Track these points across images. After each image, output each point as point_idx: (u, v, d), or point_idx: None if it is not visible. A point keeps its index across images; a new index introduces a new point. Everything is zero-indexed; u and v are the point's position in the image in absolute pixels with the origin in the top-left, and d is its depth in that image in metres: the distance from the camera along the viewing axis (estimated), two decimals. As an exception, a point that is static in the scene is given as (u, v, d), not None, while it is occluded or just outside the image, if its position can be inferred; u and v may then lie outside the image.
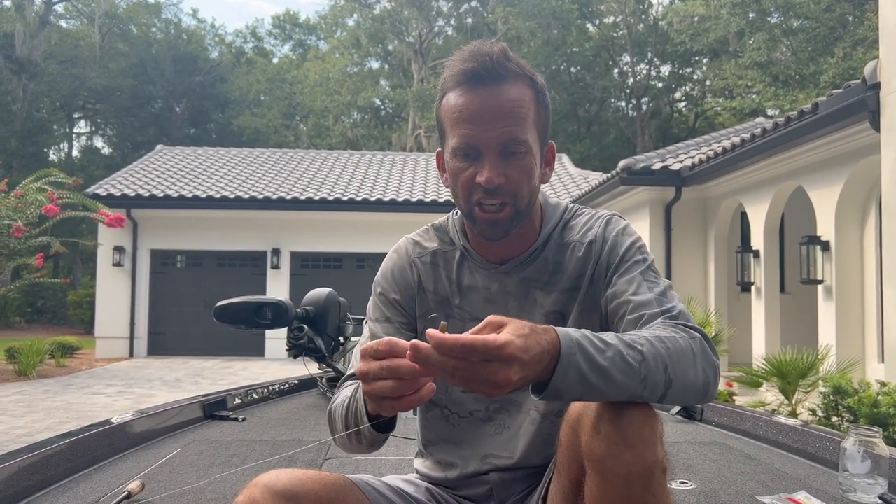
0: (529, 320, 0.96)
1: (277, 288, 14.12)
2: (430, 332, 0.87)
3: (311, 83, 31.37)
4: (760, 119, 12.99)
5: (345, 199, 14.23)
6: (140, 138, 31.26)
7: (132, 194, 13.94)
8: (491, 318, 0.92)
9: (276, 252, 14.45)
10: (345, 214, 14.34)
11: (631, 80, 29.52)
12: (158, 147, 18.88)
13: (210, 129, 34.89)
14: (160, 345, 14.39)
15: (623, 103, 31.08)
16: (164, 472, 1.99)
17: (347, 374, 1.30)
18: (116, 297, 14.20)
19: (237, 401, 2.94)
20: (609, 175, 10.47)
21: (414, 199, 14.28)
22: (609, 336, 0.98)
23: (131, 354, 14.18)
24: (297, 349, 3.02)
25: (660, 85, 30.22)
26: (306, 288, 3.55)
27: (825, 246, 6.94)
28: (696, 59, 28.46)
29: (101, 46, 29.91)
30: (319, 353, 3.04)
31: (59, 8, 31.04)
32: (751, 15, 21.87)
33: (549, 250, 1.28)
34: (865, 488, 1.72)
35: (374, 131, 32.55)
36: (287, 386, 3.33)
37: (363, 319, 1.45)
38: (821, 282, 6.97)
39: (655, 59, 29.44)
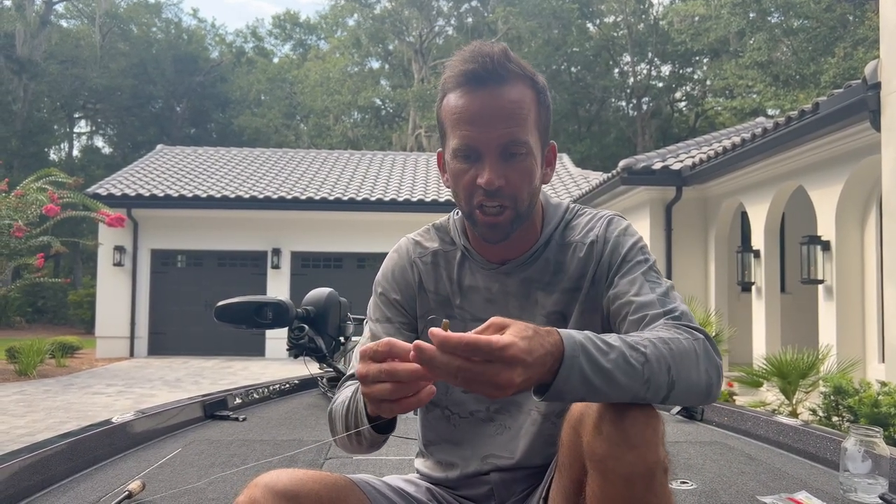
0: (530, 321, 0.96)
1: (278, 288, 14.12)
2: (434, 330, 0.87)
3: (312, 83, 31.38)
4: (761, 119, 12.99)
5: (345, 198, 14.23)
6: (140, 138, 31.27)
7: (133, 194, 13.94)
8: (494, 319, 0.92)
9: (276, 252, 14.45)
10: (345, 214, 14.34)
11: (631, 79, 29.52)
12: (159, 147, 18.88)
13: (210, 129, 34.91)
14: (161, 345, 14.39)
15: (623, 103, 31.08)
16: (164, 471, 1.99)
17: (348, 374, 1.30)
18: (117, 297, 14.21)
19: (238, 401, 2.94)
20: (609, 175, 10.47)
21: (414, 199, 14.28)
22: (612, 338, 0.97)
23: (132, 354, 14.19)
24: (297, 349, 3.02)
25: (660, 85, 30.22)
26: (307, 288, 3.55)
27: (826, 246, 6.94)
28: (697, 58, 28.46)
29: (102, 46, 29.91)
30: (320, 352, 3.04)
31: (59, 8, 31.07)
32: (751, 15, 21.87)
33: (551, 251, 1.28)
34: (866, 488, 1.71)
35: (374, 131, 32.56)
36: (287, 386, 3.33)
37: (363, 319, 1.45)
38: (821, 282, 6.97)
39: (656, 59, 29.44)
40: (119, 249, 14.04)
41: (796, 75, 21.23)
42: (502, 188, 1.15)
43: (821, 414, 5.31)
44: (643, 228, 9.86)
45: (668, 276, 9.40)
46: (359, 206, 14.20)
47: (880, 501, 1.69)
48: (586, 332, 0.96)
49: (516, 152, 1.16)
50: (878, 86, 5.61)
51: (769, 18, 22.01)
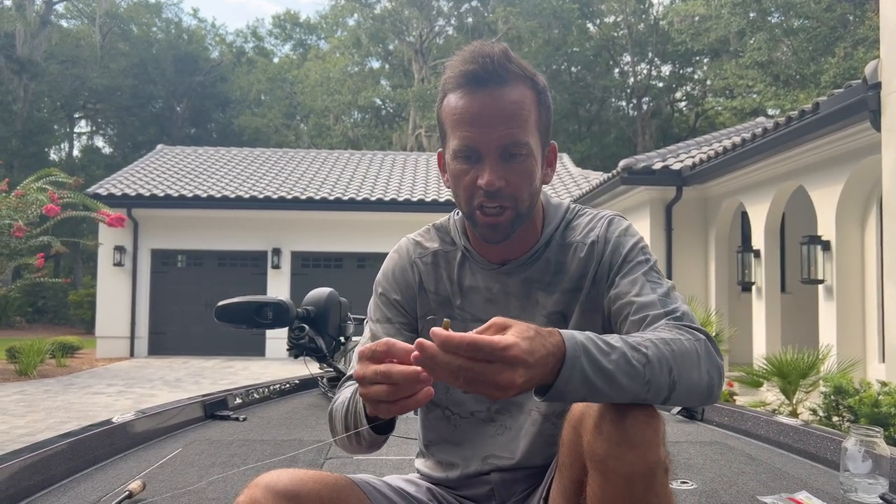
0: (531, 321, 0.96)
1: (278, 287, 14.12)
2: (436, 330, 0.87)
3: (312, 83, 31.38)
4: (761, 119, 12.99)
5: (345, 198, 14.23)
6: (141, 138, 31.27)
7: (133, 194, 13.94)
8: (496, 319, 0.92)
9: (276, 252, 14.45)
10: (345, 214, 14.34)
11: (631, 79, 29.52)
12: (159, 147, 18.88)
13: (211, 129, 34.91)
14: (161, 344, 14.39)
15: (624, 103, 31.08)
16: (165, 471, 1.99)
17: (348, 374, 1.30)
18: (117, 297, 14.21)
19: (238, 400, 2.94)
20: (610, 175, 10.47)
21: (414, 199, 14.28)
22: (614, 339, 0.97)
23: (132, 354, 14.19)
24: (297, 349, 3.02)
25: (660, 84, 30.22)
26: (307, 288, 3.55)
27: (826, 246, 6.94)
28: (697, 58, 28.46)
29: (102, 46, 29.91)
30: (320, 352, 3.04)
31: (59, 8, 31.07)
32: (751, 14, 21.86)
33: (551, 251, 1.28)
34: (866, 488, 1.71)
35: (374, 131, 32.56)
36: (288, 386, 3.33)
37: (364, 319, 1.45)
38: (821, 281, 6.97)
39: (656, 59, 29.44)
40: (119, 249, 14.04)
41: (796, 75, 21.23)
42: (502, 189, 1.15)
43: (821, 414, 5.31)
44: (643, 228, 9.86)
45: (669, 276, 9.38)
46: (359, 206, 14.20)
47: (881, 501, 1.69)
48: (588, 332, 0.96)
49: (517, 153, 1.16)
50: (878, 86, 5.61)
51: (769, 18, 22.00)
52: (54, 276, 19.81)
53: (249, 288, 13.39)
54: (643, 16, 28.92)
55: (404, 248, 1.36)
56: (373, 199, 14.24)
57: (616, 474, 0.95)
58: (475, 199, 1.18)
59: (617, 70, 30.70)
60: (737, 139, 8.18)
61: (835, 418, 5.20)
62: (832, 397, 5.21)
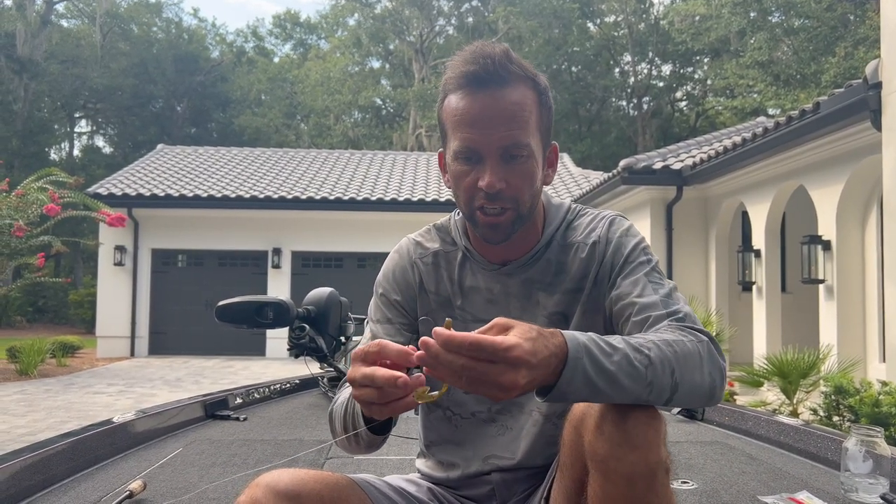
0: (532, 321, 0.96)
1: (278, 287, 14.13)
2: (438, 329, 0.87)
3: (312, 83, 31.38)
4: (761, 118, 12.99)
5: (346, 198, 14.23)
6: (141, 138, 31.27)
7: (133, 194, 13.94)
8: (498, 319, 0.91)
9: (277, 251, 14.45)
10: (346, 214, 14.34)
11: (632, 79, 29.51)
12: (159, 146, 18.88)
13: (211, 129, 34.91)
14: (161, 344, 14.39)
15: (624, 103, 31.08)
16: (165, 471, 1.99)
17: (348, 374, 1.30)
18: (117, 297, 14.21)
19: (238, 400, 2.94)
20: (610, 174, 10.47)
21: (415, 199, 14.28)
22: (616, 340, 0.97)
23: (132, 354, 14.19)
24: (298, 349, 3.02)
25: (661, 84, 30.22)
26: (307, 287, 3.55)
27: (826, 245, 6.94)
28: (698, 58, 28.45)
29: (103, 46, 29.92)
30: (321, 352, 3.04)
31: (60, 7, 31.08)
32: (752, 14, 21.86)
33: (552, 251, 1.28)
34: (867, 488, 1.71)
35: (374, 131, 32.56)
36: (288, 385, 3.33)
37: (364, 319, 1.45)
38: (822, 281, 6.97)
39: (656, 59, 29.43)
40: (120, 249, 14.04)
41: (797, 75, 21.22)
42: (503, 191, 1.15)
43: (822, 414, 5.30)
44: (644, 228, 9.86)
45: (669, 276, 9.39)
46: (359, 206, 14.20)
47: (881, 501, 1.69)
48: (590, 333, 0.96)
49: (517, 154, 1.15)
50: (878, 85, 5.61)
51: (770, 18, 22.00)
52: (55, 275, 19.83)
53: (250, 288, 13.39)
54: (643, 15, 28.92)
55: (405, 249, 1.36)
56: (373, 198, 14.24)
57: (617, 474, 0.95)
58: (476, 201, 1.18)
59: (617, 70, 30.70)
60: (737, 139, 8.17)
61: (835, 418, 5.20)
62: (833, 397, 5.21)
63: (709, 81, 27.39)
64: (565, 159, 18.53)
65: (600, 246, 1.25)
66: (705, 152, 9.24)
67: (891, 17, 5.65)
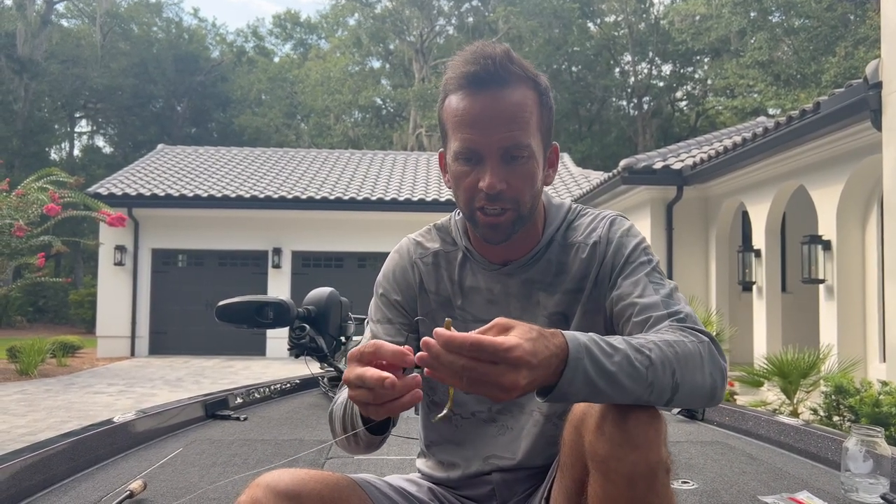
0: (532, 322, 0.95)
1: (279, 287, 14.13)
2: (439, 330, 0.87)
3: (313, 82, 31.38)
4: (762, 118, 12.98)
5: (346, 198, 14.23)
6: (141, 137, 31.28)
7: (133, 193, 13.94)
8: (498, 320, 0.91)
9: (277, 251, 14.45)
10: (346, 214, 14.34)
11: (632, 79, 29.51)
12: (160, 146, 18.88)
13: (211, 129, 34.91)
14: (161, 344, 14.39)
15: (624, 102, 31.07)
16: (165, 471, 1.99)
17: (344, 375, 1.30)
18: (118, 297, 14.21)
19: (239, 400, 2.94)
20: (610, 174, 10.47)
21: (415, 199, 14.28)
22: (617, 340, 0.97)
23: (133, 353, 14.19)
24: (298, 348, 3.02)
25: (661, 84, 30.21)
26: (307, 287, 3.55)
27: (826, 245, 6.94)
28: (698, 58, 28.45)
29: (103, 46, 29.93)
30: (321, 352, 3.04)
31: (60, 7, 31.09)
32: (752, 14, 21.85)
33: (553, 251, 1.27)
34: (867, 488, 1.71)
35: (375, 130, 32.56)
36: (289, 385, 3.33)
37: (364, 319, 1.45)
38: (822, 281, 6.97)
39: (657, 59, 29.43)
40: (120, 249, 14.04)
41: (797, 74, 21.22)
42: (504, 192, 1.15)
43: (822, 414, 5.30)
44: (644, 228, 9.86)
45: (669, 276, 9.38)
46: (359, 206, 14.20)
47: (882, 501, 1.69)
48: (591, 334, 0.96)
49: (518, 155, 1.15)
50: (879, 85, 5.61)
51: (770, 18, 21.99)
52: (55, 275, 19.84)
53: (250, 287, 13.39)
54: (644, 15, 28.92)
55: (405, 249, 1.36)
56: (373, 198, 14.24)
57: (618, 474, 0.95)
58: (476, 201, 1.17)
59: (618, 69, 30.69)
60: (737, 139, 8.17)
61: (835, 418, 5.20)
62: (833, 397, 5.21)
63: (709, 81, 27.39)
64: (565, 159, 18.53)
65: (601, 246, 1.25)
66: (705, 152, 9.24)
67: (891, 16, 5.65)
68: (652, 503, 0.96)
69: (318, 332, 3.03)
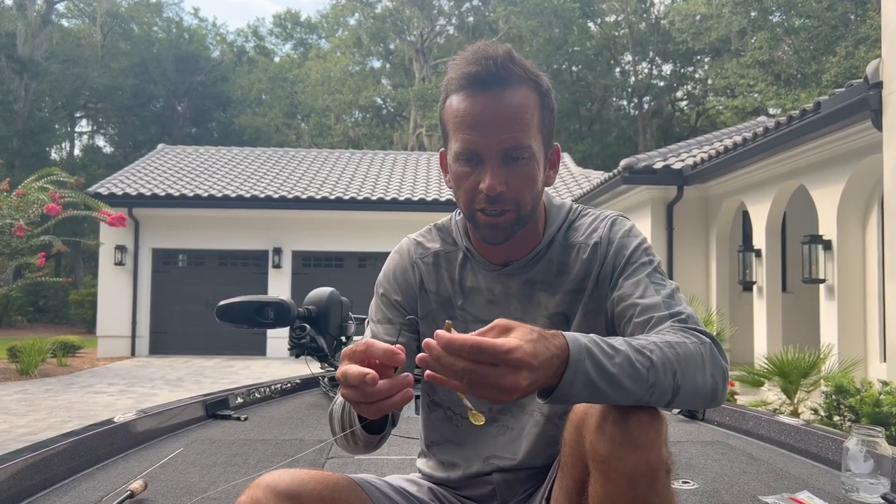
0: (532, 322, 0.95)
1: (279, 287, 14.12)
2: (439, 332, 0.87)
3: (313, 82, 31.38)
4: (762, 118, 12.98)
5: (346, 198, 14.23)
6: (141, 137, 31.29)
7: (134, 193, 13.94)
8: (499, 321, 0.91)
9: (277, 251, 14.45)
10: (346, 214, 14.34)
11: (633, 78, 29.51)
12: (160, 146, 18.89)
13: (211, 129, 34.92)
14: (162, 344, 14.40)
15: (625, 102, 31.07)
16: (166, 471, 1.99)
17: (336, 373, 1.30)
18: (118, 296, 14.21)
19: (239, 400, 2.94)
20: (611, 174, 10.47)
21: (415, 199, 14.28)
22: (618, 341, 0.97)
23: (133, 353, 14.20)
24: (299, 348, 3.02)
25: (661, 84, 30.21)
26: (308, 287, 3.55)
27: (827, 245, 6.94)
28: (698, 57, 28.44)
29: (103, 46, 29.94)
30: (321, 352, 3.04)
31: (60, 7, 31.10)
32: (752, 14, 21.85)
33: (554, 252, 1.27)
34: (868, 488, 1.71)
35: (375, 130, 32.57)
36: (289, 385, 3.33)
37: (365, 319, 1.45)
38: (822, 281, 6.96)
39: (657, 58, 29.43)
40: (120, 249, 14.05)
41: (798, 74, 21.21)
42: (504, 193, 1.15)
43: (822, 413, 5.30)
44: (644, 228, 9.86)
45: (670, 276, 9.37)
46: (360, 206, 14.20)
47: (882, 501, 1.69)
48: (592, 335, 0.96)
49: (519, 157, 1.15)
50: (879, 85, 5.61)
51: (770, 17, 21.99)
52: (55, 275, 19.85)
53: (250, 287, 13.39)
54: (644, 15, 28.92)
55: (405, 249, 1.36)
56: (374, 198, 14.24)
57: (618, 475, 0.95)
58: (476, 202, 1.17)
59: (618, 69, 30.69)
60: (738, 138, 8.17)
61: (836, 418, 5.19)
62: (833, 397, 5.20)
63: (709, 81, 27.39)
64: (566, 159, 18.53)
65: (602, 246, 1.24)
66: (706, 152, 9.24)
67: (891, 16, 5.65)
68: (653, 503, 0.96)
69: (319, 332, 3.04)
